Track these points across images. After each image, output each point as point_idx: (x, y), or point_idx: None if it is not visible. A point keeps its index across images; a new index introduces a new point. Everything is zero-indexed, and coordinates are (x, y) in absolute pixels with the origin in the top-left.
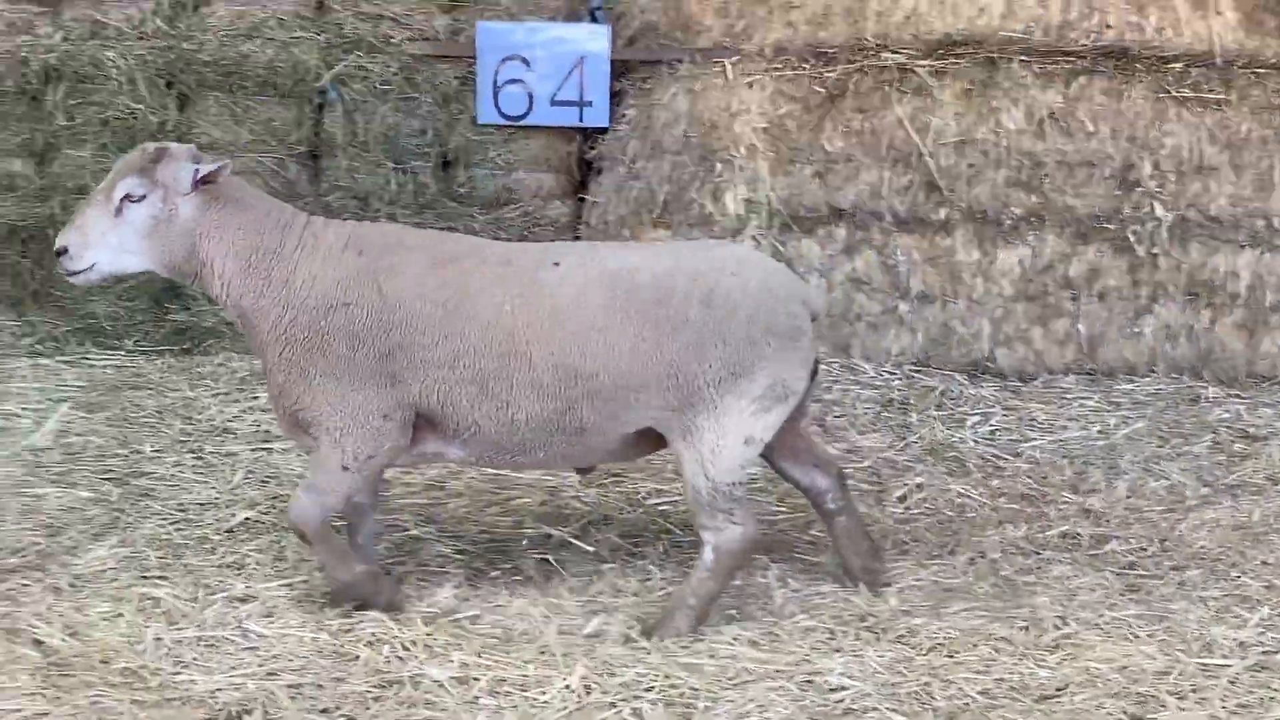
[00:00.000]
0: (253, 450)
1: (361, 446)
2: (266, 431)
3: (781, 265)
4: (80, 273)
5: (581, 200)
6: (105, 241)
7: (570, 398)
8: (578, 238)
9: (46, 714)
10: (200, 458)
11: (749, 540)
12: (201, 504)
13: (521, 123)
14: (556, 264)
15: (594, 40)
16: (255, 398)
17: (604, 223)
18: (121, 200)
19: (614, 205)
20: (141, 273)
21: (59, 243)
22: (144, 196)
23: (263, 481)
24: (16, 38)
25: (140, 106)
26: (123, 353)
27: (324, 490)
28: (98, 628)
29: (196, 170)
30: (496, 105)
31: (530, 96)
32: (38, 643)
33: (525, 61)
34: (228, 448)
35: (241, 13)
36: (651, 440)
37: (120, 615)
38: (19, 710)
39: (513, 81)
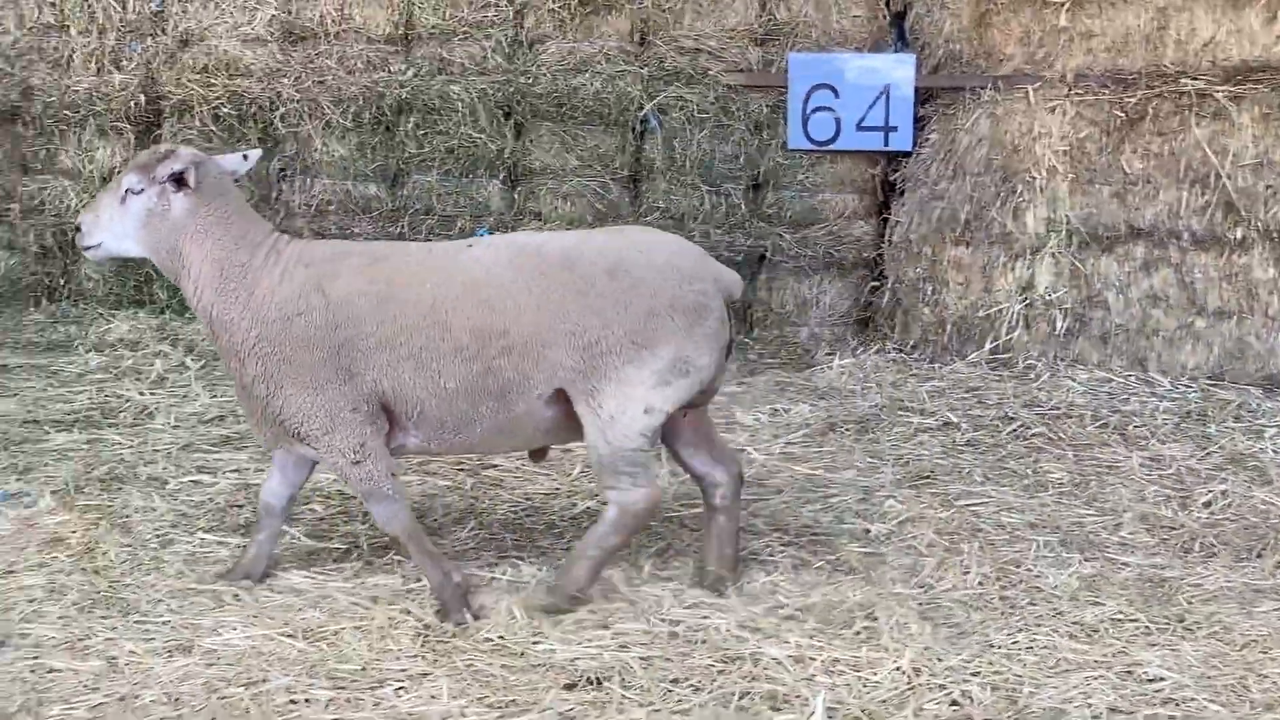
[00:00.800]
0: (584, 449)
1: (349, 439)
2: None
3: (695, 248)
4: (89, 249)
5: (884, 220)
6: (110, 226)
7: (488, 357)
8: (880, 255)
9: (428, 674)
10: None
11: (652, 501)
12: (545, 494)
13: (829, 147)
14: (470, 246)
15: (899, 69)
16: None
17: (906, 240)
18: (126, 192)
19: (916, 224)
20: (141, 258)
21: (78, 220)
22: (142, 190)
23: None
24: (374, 74)
25: (480, 135)
26: None
27: (373, 491)
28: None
29: (173, 169)
30: (806, 131)
31: (838, 122)
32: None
33: (834, 90)
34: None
35: (572, 49)
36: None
37: (481, 589)
38: (404, 669)
39: (821, 109)
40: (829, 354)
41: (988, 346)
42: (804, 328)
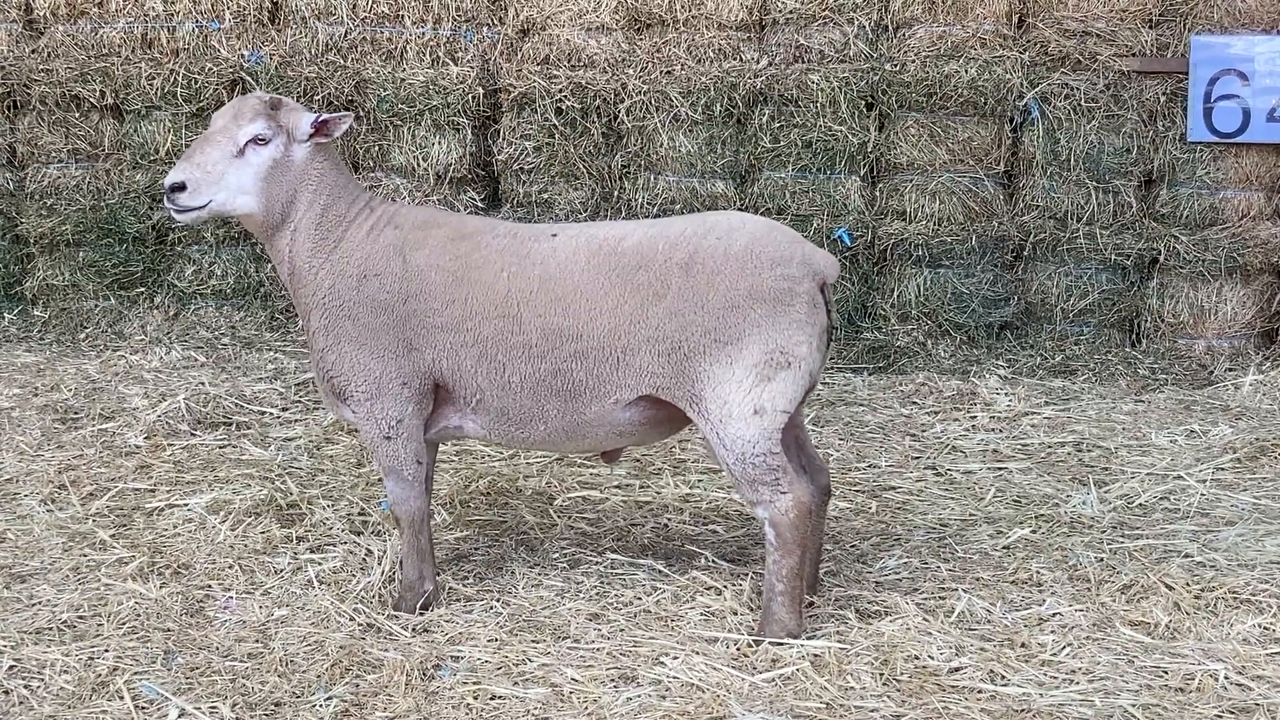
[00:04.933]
0: (991, 469)
1: (390, 411)
2: (996, 451)
3: (785, 230)
4: (192, 210)
5: None
6: (224, 181)
7: (558, 358)
8: None
9: (902, 715)
10: (940, 474)
11: (801, 505)
12: (960, 520)
13: (1235, 140)
14: (554, 235)
15: None
16: (973, 417)
17: None
18: (248, 143)
19: None
20: (242, 216)
21: (175, 178)
22: (269, 140)
23: (1015, 501)
24: (725, 63)
25: (840, 128)
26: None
27: (395, 470)
28: (887, 633)
29: (317, 116)
30: (1209, 122)
31: (1246, 113)
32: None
33: (1242, 76)
34: (963, 466)
35: (943, 34)
36: (665, 421)
37: (906, 618)
38: (874, 710)
39: (1227, 97)
40: (1230, 369)
41: None
42: (1200, 340)
